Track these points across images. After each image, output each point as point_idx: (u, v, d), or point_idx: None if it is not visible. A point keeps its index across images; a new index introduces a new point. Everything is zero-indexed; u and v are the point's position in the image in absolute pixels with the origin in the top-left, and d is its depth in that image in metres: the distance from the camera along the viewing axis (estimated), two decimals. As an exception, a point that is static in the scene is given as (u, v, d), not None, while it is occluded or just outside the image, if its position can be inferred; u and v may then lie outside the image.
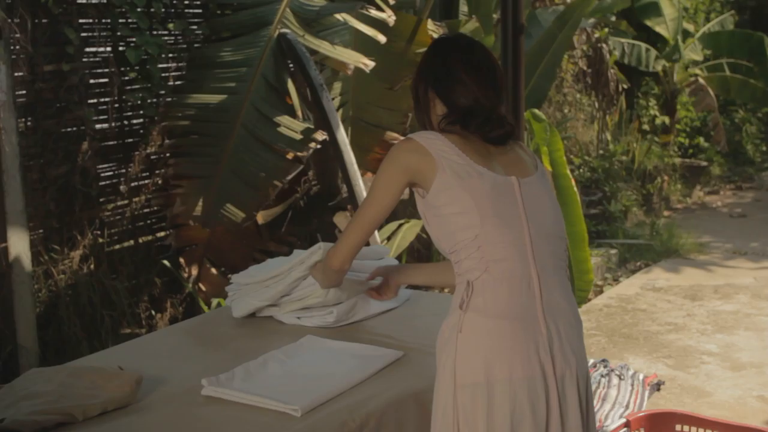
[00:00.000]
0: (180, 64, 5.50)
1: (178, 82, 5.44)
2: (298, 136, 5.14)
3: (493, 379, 2.20)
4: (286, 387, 2.44)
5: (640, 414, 3.22)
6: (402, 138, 2.49)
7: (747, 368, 5.30)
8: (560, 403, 2.26)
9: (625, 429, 3.15)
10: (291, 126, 5.17)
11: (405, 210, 6.50)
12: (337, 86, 5.90)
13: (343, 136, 5.20)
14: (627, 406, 4.59)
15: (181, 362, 2.73)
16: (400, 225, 6.15)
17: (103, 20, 5.09)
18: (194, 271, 5.42)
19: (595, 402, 4.61)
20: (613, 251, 8.00)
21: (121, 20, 5.12)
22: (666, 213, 10.04)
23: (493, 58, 2.47)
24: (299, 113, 5.31)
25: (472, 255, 2.26)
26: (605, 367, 5.02)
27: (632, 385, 4.88)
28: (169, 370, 2.63)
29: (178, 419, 2.31)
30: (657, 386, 4.98)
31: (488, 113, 2.36)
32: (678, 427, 3.29)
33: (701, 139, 11.68)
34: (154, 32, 5.29)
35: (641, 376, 4.97)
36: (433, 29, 5.98)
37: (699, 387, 5.04)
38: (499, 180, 2.30)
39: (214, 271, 5.48)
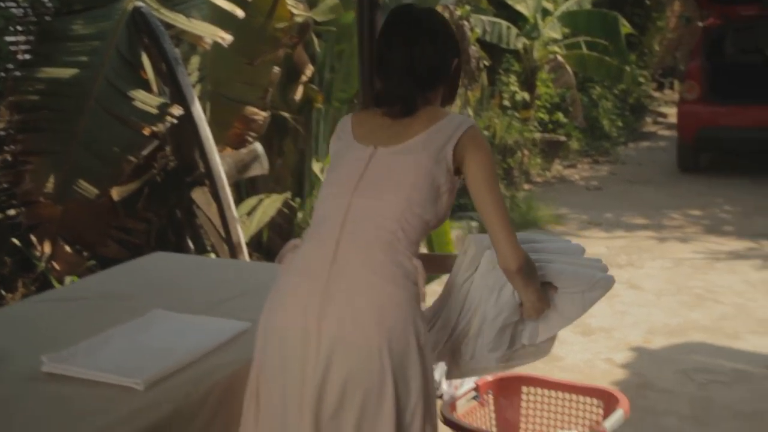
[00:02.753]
0: (29, 38, 5.33)
1: (28, 57, 5.27)
2: (154, 111, 5.04)
3: (270, 327, 2.30)
4: (129, 361, 2.42)
5: (488, 378, 3.31)
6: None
7: (597, 333, 5.51)
8: (323, 373, 2.20)
9: (474, 392, 3.23)
10: (146, 100, 5.07)
11: (266, 185, 6.49)
12: (195, 61, 5.82)
13: (198, 111, 5.14)
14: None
15: (23, 339, 2.68)
16: (261, 200, 6.14)
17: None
18: (47, 249, 5.28)
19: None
20: (474, 223, 8.15)
21: (-36, -9, 4.94)
22: (526, 186, 10.29)
23: None
24: (155, 88, 5.22)
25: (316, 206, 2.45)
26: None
27: (488, 352, 5.00)
28: (10, 346, 2.58)
29: (16, 397, 2.26)
30: (512, 353, 5.11)
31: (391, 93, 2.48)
32: (524, 389, 3.40)
33: (560, 115, 12.00)
34: (2, 4, 5.10)
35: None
36: (293, 5, 5.97)
37: (551, 352, 5.19)
38: (355, 147, 2.43)
39: (68, 249, 5.34)
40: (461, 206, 8.57)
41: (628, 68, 11.90)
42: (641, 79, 14.69)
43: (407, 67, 2.41)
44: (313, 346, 2.20)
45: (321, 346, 2.19)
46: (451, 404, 2.75)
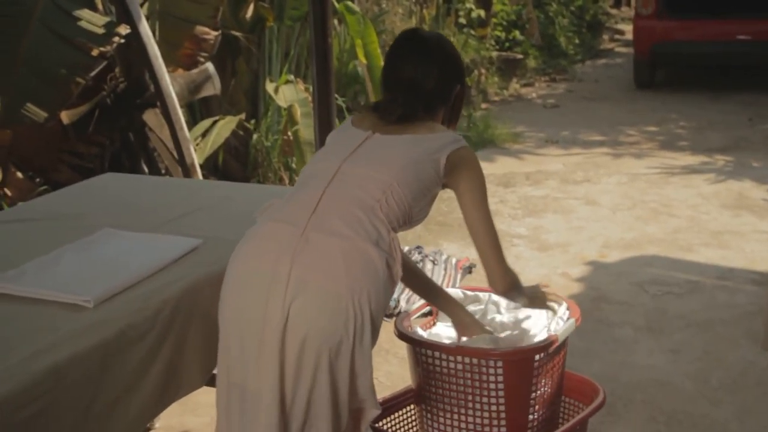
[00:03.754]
0: (-33, -44, 5.15)
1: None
2: (100, 30, 4.92)
3: (239, 268, 2.25)
4: (79, 279, 2.39)
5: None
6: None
7: (553, 248, 5.54)
8: (287, 315, 2.16)
9: (427, 308, 3.24)
10: (91, 20, 4.94)
11: (220, 106, 6.40)
12: (142, -22, 5.68)
13: (146, 30, 5.03)
14: (440, 289, 4.72)
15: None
16: (215, 122, 6.06)
17: None
18: (-2, 176, 5.20)
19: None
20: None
21: None
22: (483, 105, 10.25)
23: None
24: (100, 6, 5.09)
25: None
26: (420, 253, 5.16)
27: (445, 269, 5.03)
28: (-43, 269, 2.53)
29: (-38, 318, 2.23)
30: (469, 269, 5.15)
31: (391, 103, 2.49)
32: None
33: (517, 33, 11.93)
34: None
35: (454, 261, 5.13)
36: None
37: (508, 268, 5.23)
38: (357, 133, 2.42)
39: (19, 175, 5.27)
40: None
41: (584, -16, 11.85)
42: (598, -4, 14.64)
43: (411, 86, 2.42)
44: (281, 288, 2.16)
45: (288, 288, 2.16)
46: (406, 317, 2.75)
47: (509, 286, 2.49)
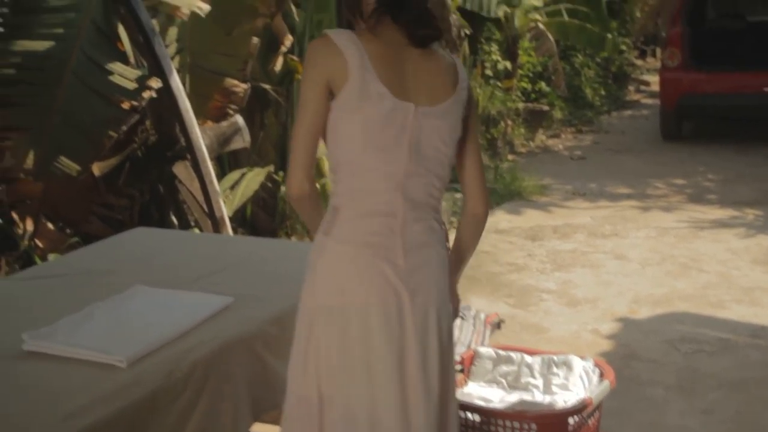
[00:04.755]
0: (3, 10, 5.24)
1: (1, 29, 5.17)
2: (132, 84, 4.97)
3: (348, 304, 2.18)
4: (111, 338, 2.39)
5: (471, 351, 3.31)
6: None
7: (582, 304, 5.50)
8: (421, 338, 2.22)
9: (459, 366, 3.22)
10: (124, 73, 5.00)
11: (248, 158, 6.43)
12: (173, 32, 5.75)
13: (177, 83, 5.07)
14: (468, 345, 4.68)
15: (3, 317, 2.63)
16: (244, 174, 6.08)
17: None
18: (29, 227, 5.23)
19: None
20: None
21: (-65, -37, 4.84)
22: (509, 157, 10.25)
23: None
24: (132, 60, 5.15)
25: (345, 180, 2.22)
26: (448, 307, 5.12)
27: (474, 325, 4.98)
28: (-10, 326, 2.54)
29: (-3, 376, 2.23)
30: (498, 325, 5.09)
31: (421, 7, 2.24)
32: (511, 361, 3.39)
33: (543, 84, 11.95)
34: (-27, -24, 5.02)
35: (482, 316, 5.08)
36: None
37: (537, 324, 5.20)
38: (397, 106, 2.18)
39: (50, 226, 5.30)
40: (445, 177, 8.53)
41: (609, 36, 11.87)
42: (623, 47, 14.63)
43: None
44: (409, 318, 2.19)
45: (416, 316, 2.21)
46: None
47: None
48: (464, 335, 4.81)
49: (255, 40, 5.88)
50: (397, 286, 2.20)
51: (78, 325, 2.47)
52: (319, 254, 2.23)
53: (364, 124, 2.17)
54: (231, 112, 5.86)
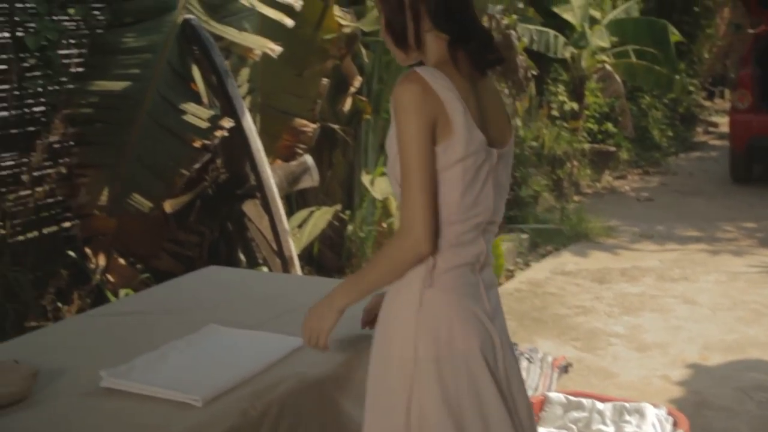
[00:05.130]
0: (82, 51, 5.37)
1: (80, 69, 5.31)
2: (205, 124, 5.06)
3: (455, 353, 2.14)
4: (186, 377, 2.41)
5: (541, 396, 3.27)
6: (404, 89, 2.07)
7: (652, 349, 5.41)
8: (516, 377, 2.25)
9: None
10: (197, 113, 5.09)
11: (316, 197, 6.48)
12: (245, 73, 5.83)
13: (249, 123, 5.14)
14: (536, 389, 4.64)
15: (81, 354, 2.67)
16: (312, 212, 6.13)
17: (0, 5, 4.93)
18: (102, 262, 5.31)
19: (504, 385, 4.66)
20: (524, 236, 8.08)
21: (18, 5, 4.98)
22: (576, 198, 10.19)
23: None
24: (205, 100, 5.24)
25: (441, 230, 2.12)
26: (515, 350, 5.07)
27: (541, 368, 4.94)
28: (68, 362, 2.57)
29: (74, 413, 2.26)
30: (565, 368, 5.05)
31: (488, 32, 2.19)
32: (582, 407, 3.34)
33: (609, 125, 11.88)
34: (54, 17, 5.15)
35: (550, 359, 5.04)
36: (340, 15, 5.96)
37: (606, 368, 5.13)
38: (487, 150, 2.13)
39: (122, 261, 5.38)
40: (511, 218, 8.51)
41: (677, 77, 11.77)
42: (691, 88, 14.49)
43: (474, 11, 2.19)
44: (502, 359, 2.21)
45: (506, 356, 2.22)
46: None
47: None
48: (531, 378, 4.76)
49: (325, 81, 5.95)
50: (489, 328, 2.20)
51: (154, 363, 2.49)
52: (418, 306, 2.15)
53: (465, 172, 2.10)
54: (300, 151, 5.92)
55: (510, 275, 7.22)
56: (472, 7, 2.18)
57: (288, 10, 5.35)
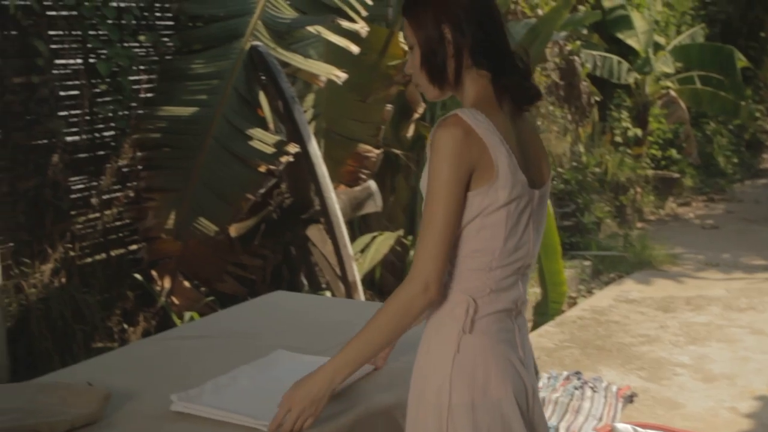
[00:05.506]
0: (151, 77, 5.47)
1: (150, 95, 5.41)
2: (270, 149, 5.11)
3: (490, 399, 2.10)
4: (256, 402, 2.42)
5: (608, 427, 3.22)
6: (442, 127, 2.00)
7: (719, 380, 5.32)
8: (539, 420, 2.22)
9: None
10: (263, 138, 5.15)
11: (378, 222, 6.50)
12: (310, 98, 5.90)
13: (315, 149, 5.19)
14: (600, 419, 4.59)
15: (151, 377, 2.70)
16: (374, 237, 6.15)
17: (74, 32, 5.05)
18: (167, 284, 5.38)
19: (568, 414, 4.62)
20: (587, 263, 8.02)
21: (91, 32, 5.09)
22: (639, 224, 10.09)
23: None
24: (271, 126, 5.30)
25: (482, 275, 2.09)
26: (579, 379, 5.03)
27: (605, 397, 4.88)
28: (138, 385, 2.60)
29: (147, 436, 2.29)
30: (630, 398, 4.99)
31: (525, 66, 2.12)
32: (649, 439, 3.30)
33: (673, 151, 11.76)
34: (125, 44, 5.26)
35: (614, 388, 4.98)
36: (405, 42, 5.99)
37: (672, 399, 5.05)
38: (530, 193, 2.08)
39: (186, 284, 5.45)
40: (573, 245, 8.45)
41: (743, 103, 11.62)
42: (757, 114, 14.30)
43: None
44: (533, 405, 2.19)
45: (537, 402, 2.21)
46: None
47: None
48: (596, 408, 4.72)
49: (389, 107, 5.99)
50: (523, 374, 2.16)
51: (224, 387, 2.51)
52: (455, 351, 2.10)
53: (509, 218, 2.05)
54: (363, 176, 5.96)
55: (572, 302, 7.16)
56: (508, 41, 2.14)
57: (353, 37, 5.40)
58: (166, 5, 5.53)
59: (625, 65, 10.88)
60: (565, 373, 5.08)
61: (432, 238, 2.01)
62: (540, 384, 4.76)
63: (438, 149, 1.99)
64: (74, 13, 5.01)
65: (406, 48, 5.92)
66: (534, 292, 6.82)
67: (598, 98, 10.64)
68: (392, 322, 2.11)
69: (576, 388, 4.86)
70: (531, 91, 2.13)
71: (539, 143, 2.22)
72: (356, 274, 5.15)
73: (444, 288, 2.09)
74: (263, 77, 5.30)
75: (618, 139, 10.93)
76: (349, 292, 5.10)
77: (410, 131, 6.65)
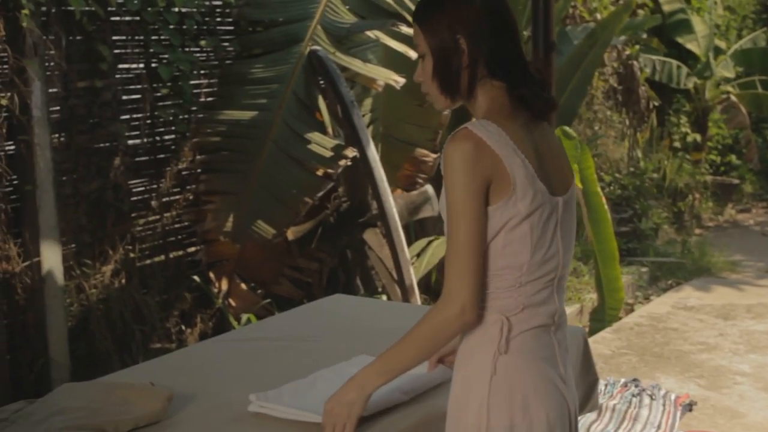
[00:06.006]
0: (211, 81, 5.54)
1: (210, 99, 5.47)
2: (329, 153, 5.15)
3: (531, 420, 2.04)
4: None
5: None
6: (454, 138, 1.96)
7: (780, 389, 5.24)
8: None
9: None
10: (322, 143, 5.18)
11: (434, 227, 6.49)
12: (368, 103, 5.92)
13: (373, 153, 5.21)
14: (658, 427, 4.54)
15: (212, 378, 2.73)
16: (430, 242, 6.14)
17: (136, 37, 5.13)
18: (224, 287, 5.44)
19: (626, 422, 4.58)
20: (644, 269, 7.94)
21: (153, 37, 5.16)
22: (697, 231, 9.96)
23: None
24: (330, 130, 5.33)
25: (513, 291, 2.03)
26: (636, 386, 4.98)
27: (664, 405, 4.83)
28: (200, 386, 2.63)
29: (210, 436, 2.31)
30: (689, 407, 4.92)
31: (539, 75, 2.08)
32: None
33: (733, 157, 11.59)
34: (186, 49, 5.33)
35: (673, 396, 4.92)
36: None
37: (732, 408, 4.97)
38: (552, 202, 2.02)
39: (243, 286, 5.50)
40: (630, 251, 8.37)
41: (807, 108, 11.41)
42: (820, 120, 14.04)
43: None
44: (574, 425, 2.16)
45: (576, 421, 2.18)
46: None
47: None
48: (654, 416, 4.67)
49: (446, 111, 5.98)
50: (565, 393, 2.10)
51: (302, 390, 2.50)
52: (492, 373, 2.04)
53: (532, 230, 1.99)
54: (420, 180, 5.96)
55: (629, 309, 7.08)
56: (522, 48, 2.10)
57: (412, 42, 5.39)
58: (227, 10, 5.59)
59: (685, 70, 10.75)
60: (623, 380, 5.03)
61: (459, 256, 1.96)
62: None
63: (449, 165, 1.95)
64: (137, 18, 5.09)
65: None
66: (591, 298, 6.77)
67: (656, 103, 10.53)
68: (427, 343, 2.08)
69: (634, 396, 4.81)
70: (549, 102, 2.08)
71: (560, 149, 2.17)
72: (413, 277, 5.16)
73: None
74: (322, 81, 5.33)
75: (677, 144, 10.81)
76: (406, 296, 5.11)
77: (467, 135, 6.64)
